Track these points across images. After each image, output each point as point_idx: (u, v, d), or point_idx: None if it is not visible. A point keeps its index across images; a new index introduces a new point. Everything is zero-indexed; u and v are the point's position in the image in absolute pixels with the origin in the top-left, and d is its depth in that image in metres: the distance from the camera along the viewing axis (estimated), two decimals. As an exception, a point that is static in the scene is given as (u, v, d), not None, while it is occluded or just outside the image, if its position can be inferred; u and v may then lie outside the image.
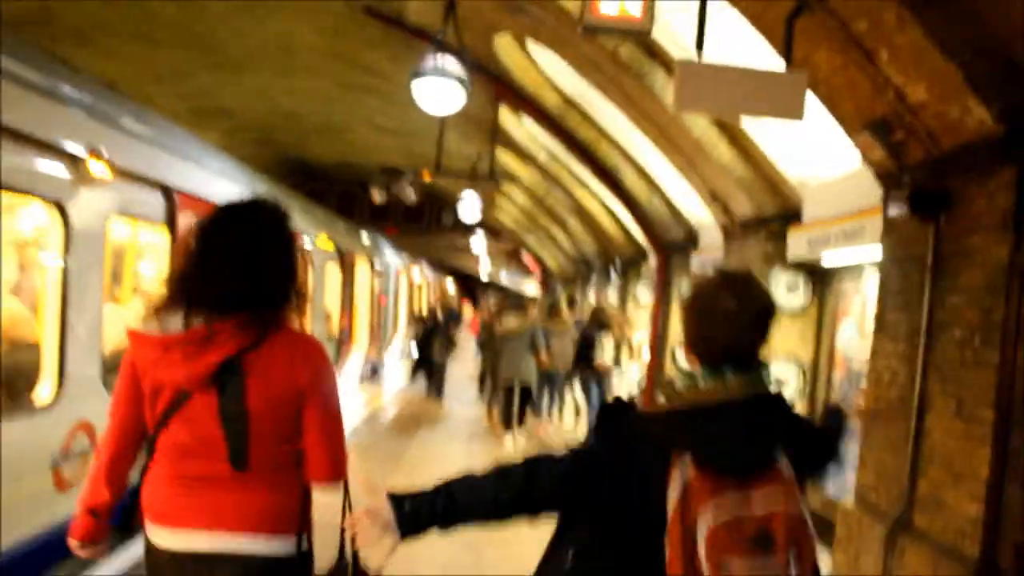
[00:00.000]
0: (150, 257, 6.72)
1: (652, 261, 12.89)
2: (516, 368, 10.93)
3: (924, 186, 4.93)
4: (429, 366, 13.91)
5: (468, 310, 34.18)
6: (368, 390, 15.73)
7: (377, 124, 18.68)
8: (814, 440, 2.20)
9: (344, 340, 12.41)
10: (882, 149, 5.17)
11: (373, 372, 18.25)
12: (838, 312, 7.51)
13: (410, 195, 14.12)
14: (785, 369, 7.81)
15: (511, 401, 11.08)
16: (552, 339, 11.35)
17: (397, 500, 1.95)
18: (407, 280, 23.17)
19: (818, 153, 7.53)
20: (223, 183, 6.70)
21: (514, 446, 10.92)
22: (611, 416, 2.08)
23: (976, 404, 4.37)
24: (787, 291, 7.86)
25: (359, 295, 14.59)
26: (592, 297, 18.53)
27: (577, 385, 12.32)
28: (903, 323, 5.22)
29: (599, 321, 11.56)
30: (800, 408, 7.87)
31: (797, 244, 7.60)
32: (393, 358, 21.01)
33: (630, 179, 11.01)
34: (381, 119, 18.12)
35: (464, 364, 21.35)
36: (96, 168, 4.29)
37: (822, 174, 7.52)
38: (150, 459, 2.42)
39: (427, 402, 13.89)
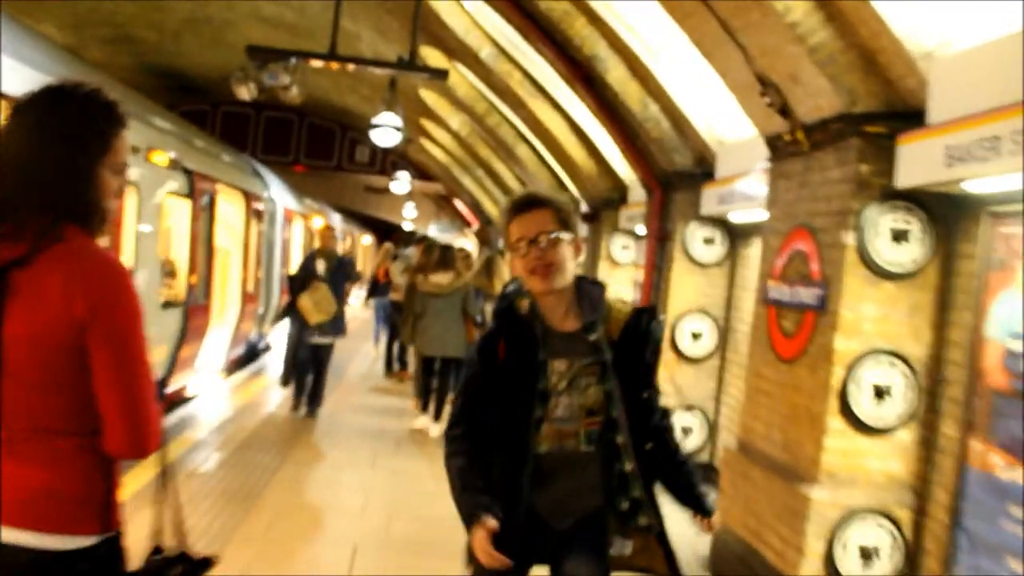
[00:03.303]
0: None
1: (637, 200, 9.71)
2: (440, 337, 8.57)
3: None
4: (307, 353, 8.84)
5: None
6: (235, 380, 11.43)
7: (265, 17, 14.90)
8: None
9: (195, 306, 8.85)
10: None
11: (250, 354, 13.74)
12: (988, 279, 4.41)
13: (292, 90, 9.93)
14: (887, 372, 4.71)
15: (430, 374, 8.85)
16: (486, 304, 8.92)
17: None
18: (305, 229, 18.45)
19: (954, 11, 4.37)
20: None
21: (431, 431, 8.51)
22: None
23: None
24: (892, 241, 4.73)
25: (225, 243, 10.80)
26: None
27: None
28: None
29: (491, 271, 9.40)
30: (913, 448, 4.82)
31: (918, 160, 4.45)
32: (283, 334, 16.69)
33: (616, 75, 7.71)
34: (270, 10, 14.43)
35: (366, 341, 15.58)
36: None
37: (956, 42, 4.37)
38: None
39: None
